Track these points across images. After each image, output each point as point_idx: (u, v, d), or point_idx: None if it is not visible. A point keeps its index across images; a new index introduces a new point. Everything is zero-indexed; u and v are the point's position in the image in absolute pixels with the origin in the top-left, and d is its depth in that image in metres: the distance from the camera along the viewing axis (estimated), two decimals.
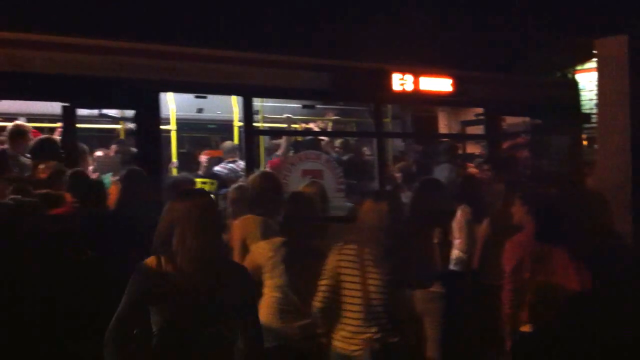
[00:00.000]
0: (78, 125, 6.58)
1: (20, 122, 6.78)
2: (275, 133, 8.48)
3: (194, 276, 3.04)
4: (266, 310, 4.18)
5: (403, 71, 7.86)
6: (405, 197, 5.90)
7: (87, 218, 4.56)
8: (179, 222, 3.07)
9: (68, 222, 4.31)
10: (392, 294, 4.05)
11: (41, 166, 5.69)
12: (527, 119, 9.36)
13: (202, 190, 3.58)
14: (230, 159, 8.02)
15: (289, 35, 7.56)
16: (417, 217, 5.22)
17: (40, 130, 8.21)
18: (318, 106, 8.34)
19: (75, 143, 6.52)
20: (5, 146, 6.51)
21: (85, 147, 6.92)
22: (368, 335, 3.99)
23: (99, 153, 7.20)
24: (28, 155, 6.37)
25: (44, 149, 6.42)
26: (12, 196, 4.25)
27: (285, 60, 7.43)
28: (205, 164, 8.02)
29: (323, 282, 4.11)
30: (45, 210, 4.26)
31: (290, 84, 7.34)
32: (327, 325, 4.14)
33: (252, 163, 7.25)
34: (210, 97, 7.79)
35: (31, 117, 8.04)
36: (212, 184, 7.47)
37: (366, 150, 8.76)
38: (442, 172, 7.83)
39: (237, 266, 3.51)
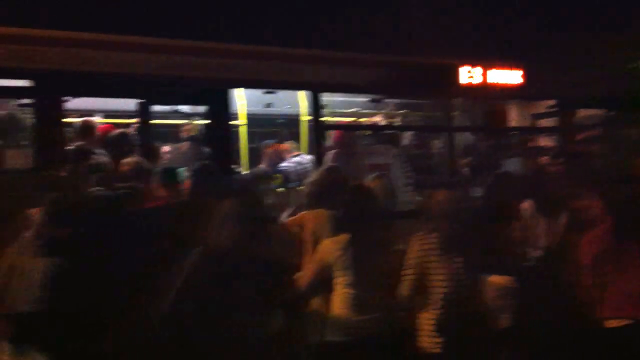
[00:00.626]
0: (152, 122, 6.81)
1: (88, 118, 7.01)
2: (342, 127, 8.52)
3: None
4: (339, 305, 4.24)
5: (472, 64, 7.79)
6: (475, 191, 5.87)
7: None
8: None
9: (163, 214, 4.48)
10: (472, 283, 4.09)
11: (124, 161, 5.92)
12: (600, 111, 9.13)
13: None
14: (295, 153, 8.12)
15: (354, 32, 7.62)
16: (491, 210, 5.19)
17: (115, 126, 8.52)
18: (386, 100, 8.35)
19: (150, 138, 6.74)
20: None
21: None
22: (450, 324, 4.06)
23: (166, 148, 7.41)
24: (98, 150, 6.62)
25: (120, 143, 6.67)
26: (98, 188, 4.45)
27: (352, 57, 7.50)
28: (270, 158, 8.12)
29: (408, 271, 4.18)
30: (135, 203, 4.44)
31: (357, 79, 7.39)
32: (413, 314, 4.20)
33: (320, 157, 7.35)
34: (279, 92, 7.91)
35: (107, 114, 8.36)
36: (276, 178, 7.59)
37: (435, 144, 8.71)
38: (513, 166, 7.73)
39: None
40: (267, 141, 8.53)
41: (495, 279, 4.45)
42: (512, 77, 8.05)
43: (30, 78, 6.02)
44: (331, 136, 7.99)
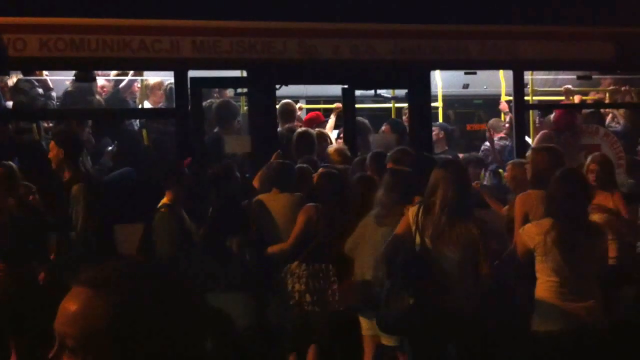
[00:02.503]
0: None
1: (287, 100, 7.27)
2: (546, 107, 8.17)
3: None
4: (546, 294, 4.09)
5: None
6: None
7: None
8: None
9: None
10: None
11: (330, 147, 6.19)
12: None
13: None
14: (500, 135, 7.90)
15: (562, 4, 7.21)
16: None
17: (317, 111, 8.85)
18: (595, 77, 7.85)
19: (354, 122, 6.91)
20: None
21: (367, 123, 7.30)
22: None
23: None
24: None
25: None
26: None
27: (560, 30, 7.14)
28: None
29: None
30: None
31: (565, 55, 7.03)
32: None
33: (522, 138, 7.11)
34: (476, 73, 7.73)
35: (309, 100, 8.71)
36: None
37: None
38: None
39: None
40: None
41: None
42: None
43: (245, 68, 6.43)
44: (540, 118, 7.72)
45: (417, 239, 4.14)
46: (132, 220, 5.35)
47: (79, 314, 1.24)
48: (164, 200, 5.14)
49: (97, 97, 6.77)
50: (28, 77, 6.55)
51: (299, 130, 6.64)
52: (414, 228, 4.16)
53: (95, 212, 4.91)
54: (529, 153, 5.40)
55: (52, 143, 5.15)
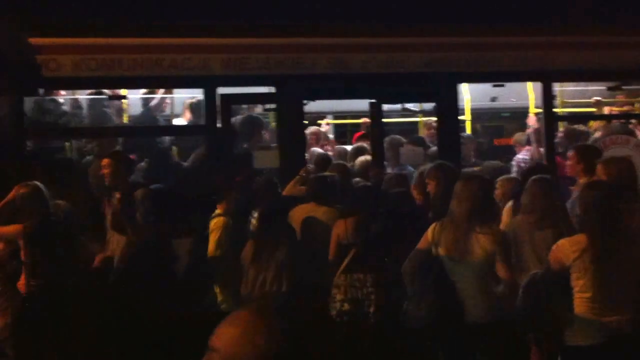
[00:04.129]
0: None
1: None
2: (576, 118, 8.10)
3: None
4: (583, 308, 4.01)
5: None
6: None
7: None
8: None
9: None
10: None
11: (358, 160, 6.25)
12: None
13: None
14: (525, 149, 7.84)
15: (591, 14, 7.14)
16: None
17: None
18: (625, 87, 7.78)
19: (382, 137, 6.92)
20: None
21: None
22: None
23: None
24: None
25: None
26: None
27: (589, 41, 7.09)
28: None
29: None
30: None
31: (595, 66, 6.98)
32: None
33: (551, 150, 7.05)
34: (504, 86, 7.70)
35: (336, 115, 8.75)
36: None
37: None
38: None
39: None
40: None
41: None
42: None
43: (273, 84, 6.49)
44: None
45: (436, 251, 4.28)
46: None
47: (238, 335, 1.29)
48: (217, 211, 5.37)
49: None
50: (53, 97, 6.70)
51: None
52: (432, 241, 4.30)
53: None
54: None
55: (108, 160, 5.44)
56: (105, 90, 6.73)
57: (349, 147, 7.55)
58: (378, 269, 4.94)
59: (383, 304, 4.87)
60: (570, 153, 5.64)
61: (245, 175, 6.04)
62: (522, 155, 7.57)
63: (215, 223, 5.29)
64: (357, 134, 8.20)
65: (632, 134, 7.65)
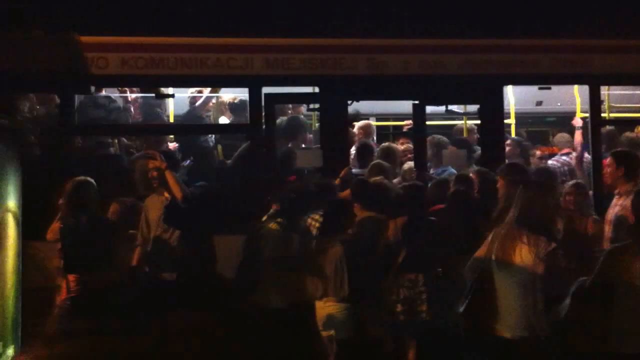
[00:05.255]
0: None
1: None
2: (623, 123, 7.95)
3: None
4: (629, 315, 3.92)
5: None
6: None
7: None
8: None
9: None
10: None
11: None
12: None
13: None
14: (565, 151, 7.73)
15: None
16: None
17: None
18: None
19: (425, 139, 6.89)
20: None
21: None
22: None
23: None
24: None
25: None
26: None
27: (636, 44, 6.96)
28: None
29: None
30: None
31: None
32: None
33: (597, 155, 6.92)
34: (550, 89, 7.60)
35: (379, 117, 8.73)
36: None
37: None
38: None
39: None
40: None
41: None
42: None
43: (317, 84, 6.53)
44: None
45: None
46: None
47: None
48: (272, 210, 5.41)
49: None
50: (107, 94, 6.85)
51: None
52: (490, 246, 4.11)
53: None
54: None
55: (154, 162, 5.51)
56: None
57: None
58: (429, 268, 4.96)
59: (434, 303, 4.88)
60: (607, 159, 5.46)
61: (297, 175, 6.11)
62: (565, 157, 7.47)
63: (273, 224, 5.31)
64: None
65: None
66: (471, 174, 5.83)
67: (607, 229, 5.23)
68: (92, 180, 5.39)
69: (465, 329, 4.20)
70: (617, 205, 5.20)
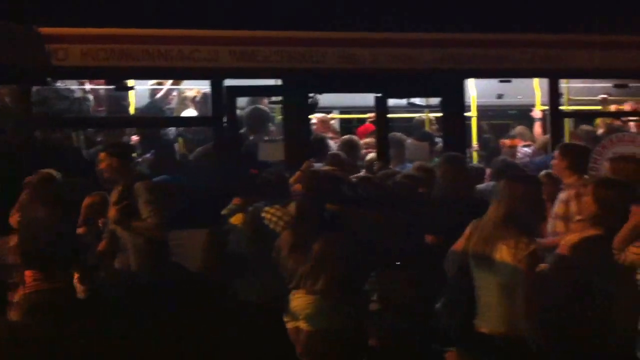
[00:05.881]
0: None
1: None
2: (582, 116, 8.10)
3: None
4: None
5: None
6: None
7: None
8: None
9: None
10: None
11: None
12: None
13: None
14: (525, 144, 7.87)
15: (598, 12, 7.16)
16: None
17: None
18: (632, 85, 7.78)
19: (387, 131, 6.93)
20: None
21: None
22: None
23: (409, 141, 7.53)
24: None
25: None
26: None
27: (596, 39, 7.11)
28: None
29: None
30: None
31: (602, 63, 6.99)
32: None
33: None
34: (511, 82, 7.71)
35: (342, 110, 8.76)
36: None
37: None
38: None
39: None
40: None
41: None
42: None
43: (280, 77, 6.52)
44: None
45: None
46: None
47: None
48: (234, 203, 5.28)
49: None
50: (61, 86, 6.74)
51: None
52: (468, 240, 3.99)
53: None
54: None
55: (104, 154, 5.23)
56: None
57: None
58: (404, 266, 4.87)
59: (410, 302, 4.79)
60: (555, 152, 5.41)
61: (258, 167, 6.05)
62: (525, 149, 7.59)
63: (241, 216, 5.23)
64: (362, 128, 8.13)
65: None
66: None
67: (553, 223, 5.09)
68: (56, 173, 5.29)
69: (445, 324, 4.16)
70: (559, 199, 5.13)
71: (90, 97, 6.98)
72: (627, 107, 8.21)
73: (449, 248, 4.08)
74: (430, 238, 4.86)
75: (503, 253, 3.77)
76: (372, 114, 7.70)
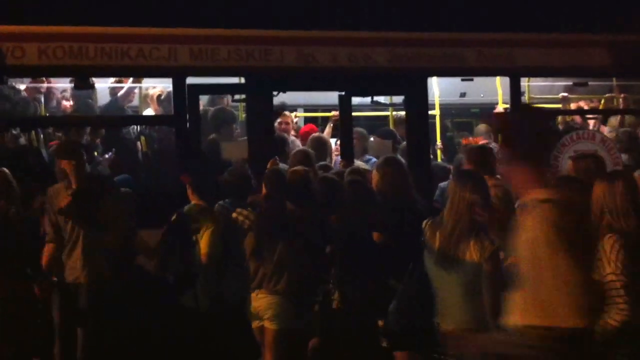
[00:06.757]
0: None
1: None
2: (544, 114, 8.17)
3: None
4: None
5: None
6: None
7: None
8: None
9: None
10: None
11: None
12: None
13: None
14: (484, 142, 7.91)
15: (558, 12, 7.27)
16: None
17: (314, 119, 8.89)
18: (591, 83, 7.90)
19: (351, 130, 6.93)
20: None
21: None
22: None
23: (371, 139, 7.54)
24: None
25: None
26: None
27: (556, 38, 7.20)
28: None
29: None
30: None
31: (562, 62, 7.07)
32: None
33: None
34: (473, 81, 7.76)
35: (307, 108, 8.74)
36: None
37: None
38: None
39: None
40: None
41: None
42: None
43: (242, 75, 6.47)
44: None
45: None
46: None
47: None
48: (196, 202, 5.18)
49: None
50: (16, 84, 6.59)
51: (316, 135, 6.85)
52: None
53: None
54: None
55: (55, 156, 5.19)
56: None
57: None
58: (342, 265, 4.87)
59: (345, 302, 4.80)
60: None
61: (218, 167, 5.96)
62: None
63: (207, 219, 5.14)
64: (303, 130, 7.99)
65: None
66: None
67: None
68: (7, 171, 5.15)
69: (402, 324, 4.22)
70: None
71: (42, 98, 6.83)
72: (583, 104, 8.35)
73: (393, 246, 4.13)
74: (376, 236, 4.88)
75: (468, 253, 3.86)
76: (336, 112, 7.70)
